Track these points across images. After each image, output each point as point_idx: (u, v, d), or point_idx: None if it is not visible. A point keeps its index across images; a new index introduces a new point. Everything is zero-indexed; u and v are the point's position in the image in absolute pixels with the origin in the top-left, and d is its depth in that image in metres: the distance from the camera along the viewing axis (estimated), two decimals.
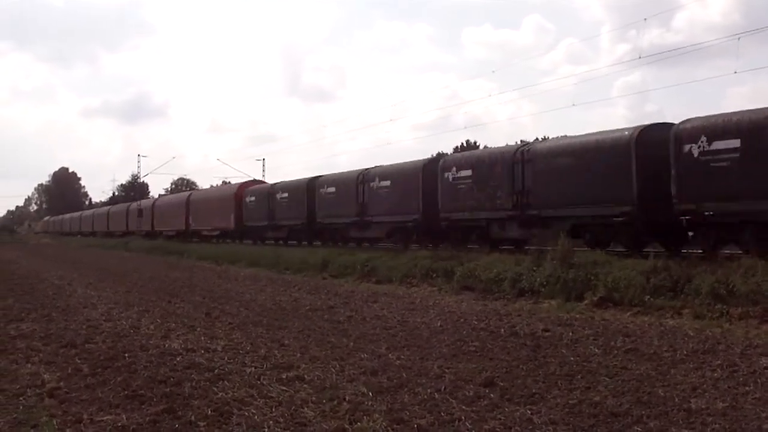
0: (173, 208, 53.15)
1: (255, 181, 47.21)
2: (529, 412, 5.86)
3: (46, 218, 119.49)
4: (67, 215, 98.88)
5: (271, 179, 51.49)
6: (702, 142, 15.63)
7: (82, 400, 6.38)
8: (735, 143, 15.07)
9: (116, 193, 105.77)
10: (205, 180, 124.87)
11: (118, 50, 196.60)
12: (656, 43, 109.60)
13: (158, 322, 11.36)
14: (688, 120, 16.46)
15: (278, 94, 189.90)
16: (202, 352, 8.69)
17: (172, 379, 7.14)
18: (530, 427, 5.49)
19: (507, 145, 27.91)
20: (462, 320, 11.37)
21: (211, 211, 44.97)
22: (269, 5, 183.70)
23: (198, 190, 76.02)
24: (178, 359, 8.21)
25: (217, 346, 9.07)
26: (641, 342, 9.03)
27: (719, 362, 7.70)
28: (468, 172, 23.08)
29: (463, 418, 5.70)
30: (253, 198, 39.42)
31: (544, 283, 13.81)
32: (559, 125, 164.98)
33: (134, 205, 65.09)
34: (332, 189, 31.31)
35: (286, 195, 35.47)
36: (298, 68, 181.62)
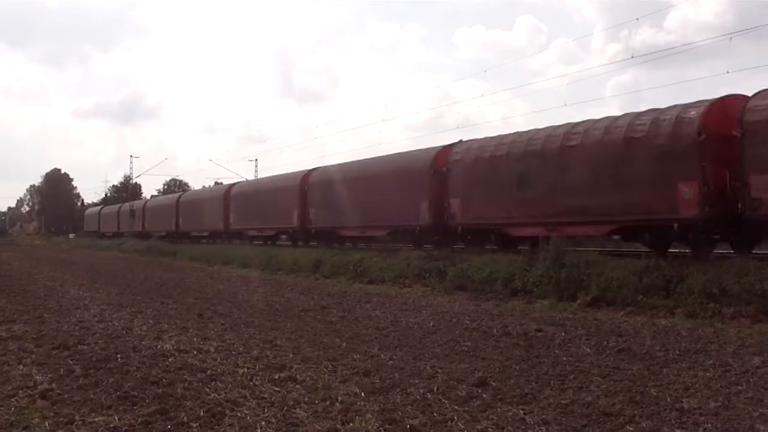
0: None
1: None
2: (521, 412, 5.86)
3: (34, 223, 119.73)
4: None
5: None
6: None
7: (74, 401, 6.34)
8: None
9: (108, 194, 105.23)
10: (198, 181, 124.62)
11: (111, 51, 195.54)
12: (649, 43, 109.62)
13: (151, 323, 11.31)
14: None
15: (272, 94, 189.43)
16: (195, 353, 8.65)
17: (164, 380, 7.11)
18: (523, 427, 5.49)
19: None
20: (455, 320, 11.37)
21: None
22: (263, 7, 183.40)
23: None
24: (170, 360, 8.18)
25: (210, 347, 9.04)
26: (634, 342, 9.05)
27: (712, 362, 7.73)
28: None
29: (455, 418, 5.69)
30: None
31: (537, 282, 13.82)
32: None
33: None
34: None
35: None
36: (291, 69, 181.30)
